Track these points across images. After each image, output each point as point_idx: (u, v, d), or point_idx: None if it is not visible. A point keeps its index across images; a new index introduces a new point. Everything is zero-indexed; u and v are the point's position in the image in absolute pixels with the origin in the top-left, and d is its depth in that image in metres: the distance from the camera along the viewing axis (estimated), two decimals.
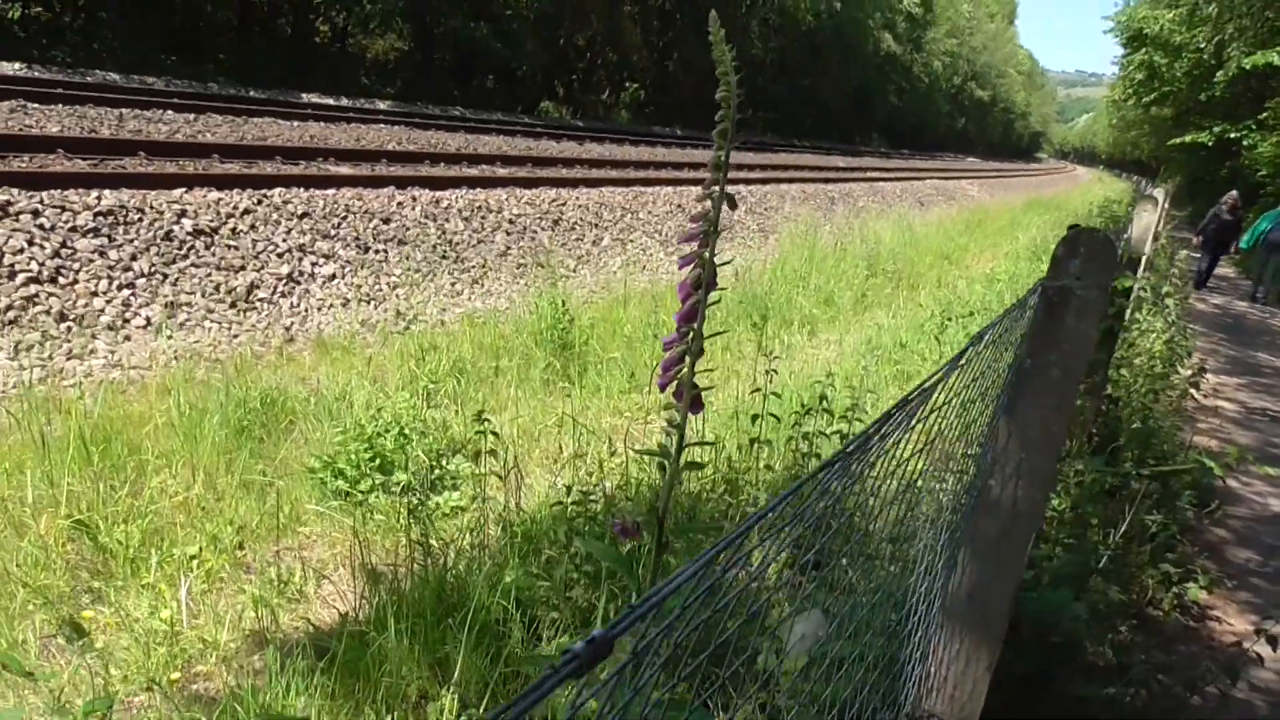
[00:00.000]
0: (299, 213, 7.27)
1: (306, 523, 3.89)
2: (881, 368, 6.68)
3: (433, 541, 3.23)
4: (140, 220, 6.05)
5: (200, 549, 3.46)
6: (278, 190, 7.42)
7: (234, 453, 4.16)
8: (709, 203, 1.63)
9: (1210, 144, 23.79)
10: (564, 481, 4.00)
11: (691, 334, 1.65)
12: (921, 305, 9.53)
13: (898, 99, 57.55)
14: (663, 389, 1.66)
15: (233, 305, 5.99)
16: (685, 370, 1.64)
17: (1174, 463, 5.25)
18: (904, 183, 27.14)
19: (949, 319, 7.88)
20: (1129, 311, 5.63)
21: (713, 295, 1.66)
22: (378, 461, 4.15)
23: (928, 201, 25.51)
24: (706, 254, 1.63)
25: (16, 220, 5.38)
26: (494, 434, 3.52)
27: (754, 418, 3.88)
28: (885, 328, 8.19)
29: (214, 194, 6.80)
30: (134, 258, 5.75)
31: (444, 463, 4.25)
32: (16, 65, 13.16)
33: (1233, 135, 22.69)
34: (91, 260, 5.51)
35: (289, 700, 2.53)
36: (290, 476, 4.16)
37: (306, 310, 6.42)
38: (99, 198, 5.97)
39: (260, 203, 7.08)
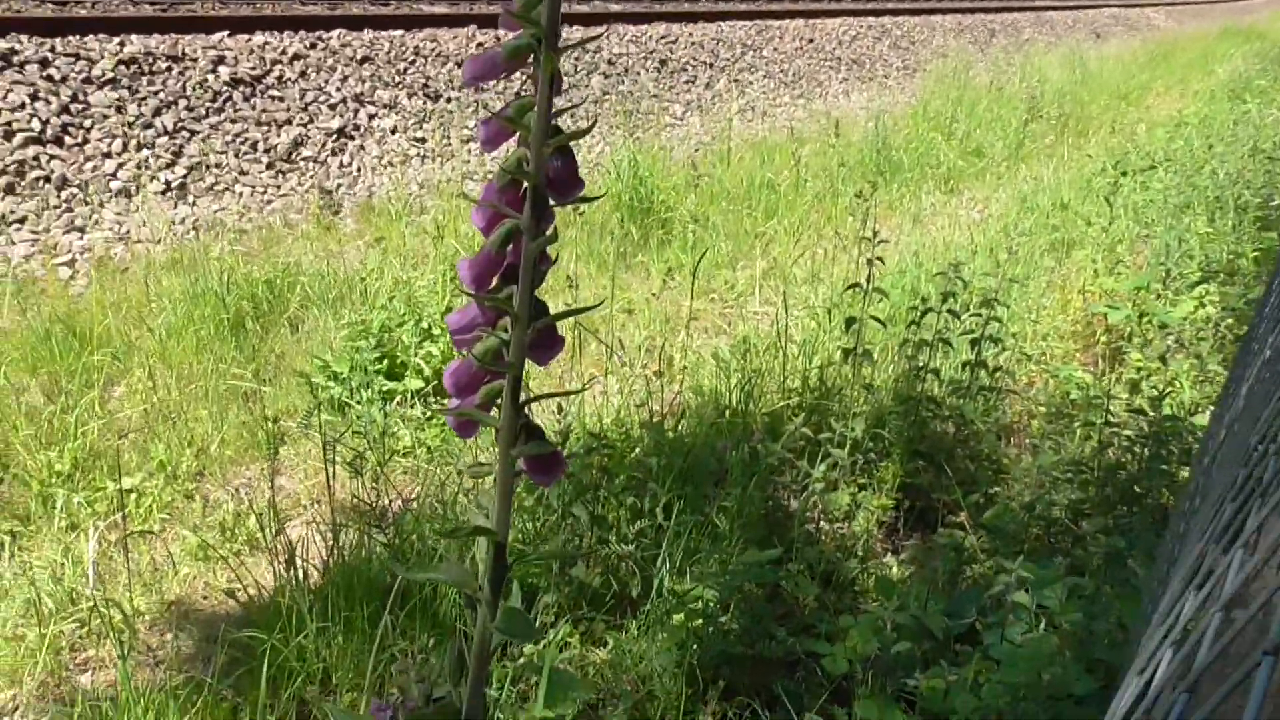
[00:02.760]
0: (359, 57, 6.43)
1: (293, 440, 3.20)
2: (1035, 236, 5.46)
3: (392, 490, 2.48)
4: (169, 70, 5.34)
5: (144, 479, 2.82)
6: (336, 32, 6.58)
7: (219, 349, 3.49)
8: None
9: None
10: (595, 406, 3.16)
11: (512, 313, 0.71)
12: (1090, 156, 8.01)
13: None
14: (463, 435, 0.74)
15: (270, 166, 5.27)
16: (505, 390, 0.72)
17: None
18: (1077, 10, 23.99)
19: (1124, 174, 6.46)
20: None
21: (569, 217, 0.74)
22: (385, 364, 3.40)
23: (1104, 32, 22.50)
24: (532, 114, 0.68)
25: (21, 71, 4.75)
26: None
27: (849, 322, 2.90)
28: (1044, 184, 6.82)
29: (260, 38, 6.02)
30: (157, 113, 5.07)
31: None
32: None
33: None
34: (106, 117, 4.86)
35: None
36: (285, 380, 3.47)
37: (358, 170, 5.66)
38: (122, 44, 5.27)
39: (314, 47, 6.27)
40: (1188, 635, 0.57)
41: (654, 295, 4.41)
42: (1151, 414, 2.80)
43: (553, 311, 0.73)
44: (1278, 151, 7.08)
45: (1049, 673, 1.75)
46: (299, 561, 2.16)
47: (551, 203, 0.71)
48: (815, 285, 4.52)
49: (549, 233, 0.70)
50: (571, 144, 0.70)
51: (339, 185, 5.49)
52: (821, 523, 2.80)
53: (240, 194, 5.02)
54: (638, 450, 2.73)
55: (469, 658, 0.71)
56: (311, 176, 5.41)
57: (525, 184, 0.69)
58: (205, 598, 2.46)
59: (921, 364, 3.08)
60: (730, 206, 5.77)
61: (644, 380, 3.30)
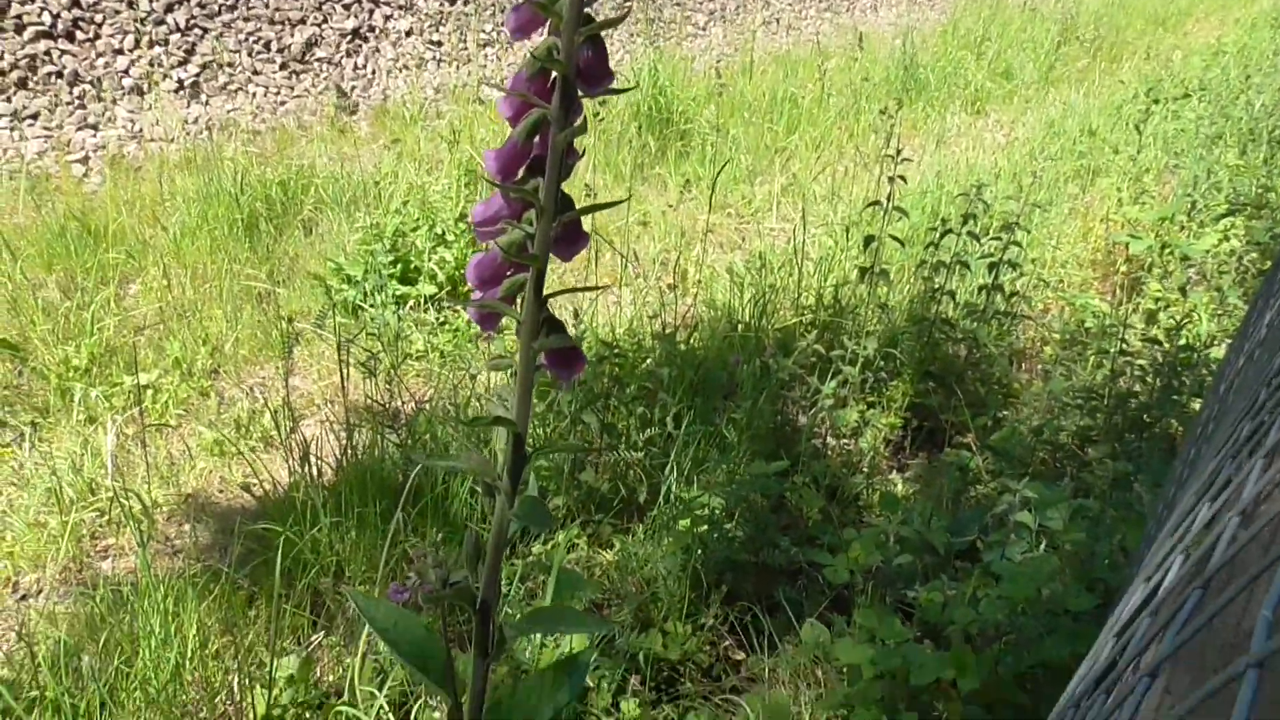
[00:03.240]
0: None
1: (307, 341, 3.22)
2: (1060, 161, 5.36)
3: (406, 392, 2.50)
4: None
5: (160, 375, 2.85)
6: None
7: (233, 249, 3.48)
8: None
9: None
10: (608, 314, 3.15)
11: (538, 205, 0.70)
12: (1123, 82, 7.81)
13: None
14: (485, 328, 0.74)
15: (283, 66, 5.18)
16: (528, 283, 0.72)
17: None
18: None
19: (1155, 101, 6.30)
20: None
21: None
22: (398, 268, 3.40)
23: None
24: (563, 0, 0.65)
25: None
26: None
27: (867, 240, 2.87)
28: (1073, 109, 6.67)
29: None
30: (169, 9, 4.96)
31: None
32: None
33: None
34: (118, 12, 4.76)
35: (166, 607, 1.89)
36: (298, 281, 3.47)
37: (373, 73, 5.57)
38: None
39: None
40: (1200, 544, 0.57)
41: (670, 208, 4.37)
42: (1167, 345, 2.78)
43: None
44: None
45: (1049, 589, 1.77)
46: (313, 459, 2.20)
47: (580, 94, 0.70)
48: (834, 203, 4.46)
49: (577, 124, 0.69)
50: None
51: (353, 88, 5.41)
52: (829, 438, 2.82)
53: (254, 94, 4.95)
54: (649, 361, 2.74)
55: (486, 547, 0.73)
56: (325, 78, 5.33)
57: (554, 74, 0.68)
58: (221, 491, 2.51)
59: (938, 285, 3.05)
60: (751, 119, 5.66)
61: (658, 292, 3.30)
